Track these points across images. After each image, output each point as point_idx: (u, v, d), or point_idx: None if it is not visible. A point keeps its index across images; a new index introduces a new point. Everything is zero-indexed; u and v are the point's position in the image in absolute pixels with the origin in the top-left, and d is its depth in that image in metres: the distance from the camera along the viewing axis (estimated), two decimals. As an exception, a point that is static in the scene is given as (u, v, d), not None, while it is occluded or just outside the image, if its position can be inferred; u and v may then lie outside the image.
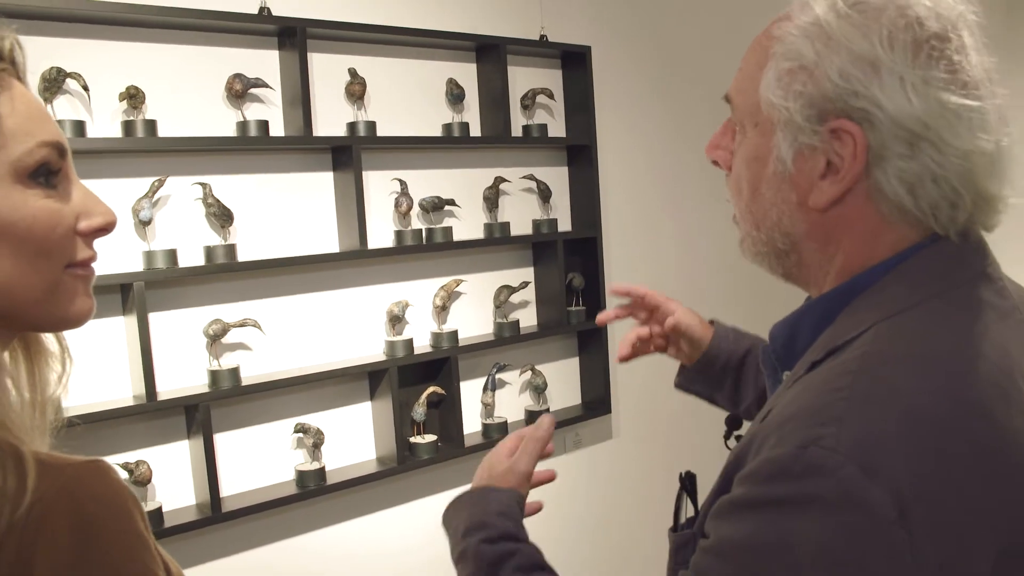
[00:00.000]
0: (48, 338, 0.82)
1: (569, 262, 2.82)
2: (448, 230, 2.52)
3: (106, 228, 0.79)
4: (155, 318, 2.07)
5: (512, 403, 2.80)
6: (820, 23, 0.79)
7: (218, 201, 2.11)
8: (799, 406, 0.74)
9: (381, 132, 2.40)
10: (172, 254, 2.04)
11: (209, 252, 2.11)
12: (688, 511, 1.03)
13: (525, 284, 2.74)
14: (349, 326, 2.42)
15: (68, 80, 1.92)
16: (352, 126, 2.35)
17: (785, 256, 0.88)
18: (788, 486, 0.69)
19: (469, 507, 1.15)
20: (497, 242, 2.67)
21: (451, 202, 2.55)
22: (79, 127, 1.91)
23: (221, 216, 2.12)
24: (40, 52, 1.92)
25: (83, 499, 0.69)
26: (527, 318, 2.81)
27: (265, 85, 2.19)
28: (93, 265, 0.79)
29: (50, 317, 0.76)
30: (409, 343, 2.44)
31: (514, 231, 2.72)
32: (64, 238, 0.75)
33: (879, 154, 0.77)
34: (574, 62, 2.86)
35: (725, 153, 0.93)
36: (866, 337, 0.76)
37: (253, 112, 2.22)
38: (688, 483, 1.07)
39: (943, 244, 0.79)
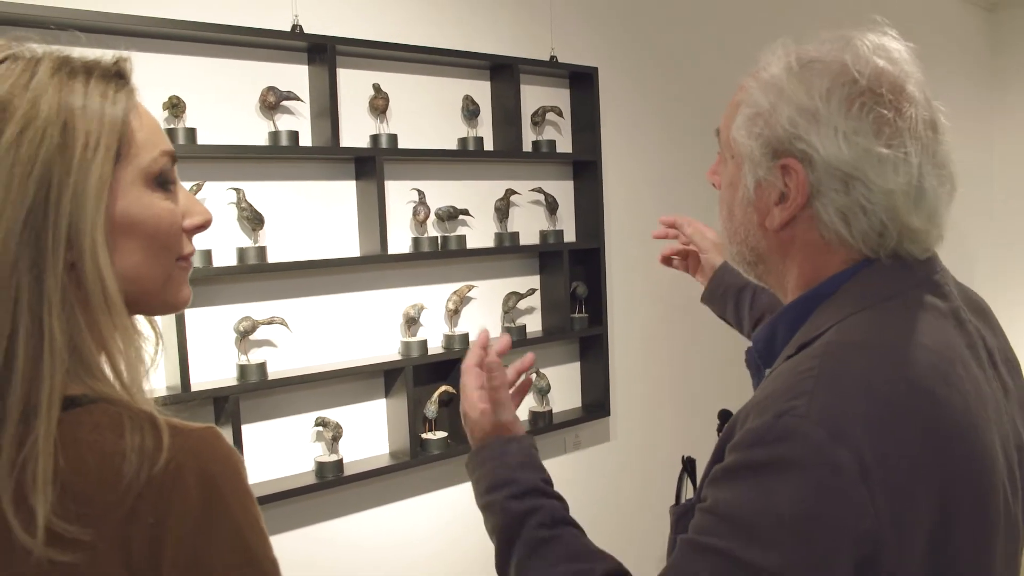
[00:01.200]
0: (143, 323, 0.90)
1: (573, 271, 2.97)
2: (462, 238, 2.66)
3: (205, 226, 0.91)
4: (189, 314, 2.20)
5: (517, 404, 2.93)
6: (775, 78, 0.98)
7: (251, 205, 2.24)
8: (774, 387, 0.88)
9: (402, 144, 2.54)
10: (207, 254, 2.16)
11: (241, 253, 2.24)
12: (688, 492, 1.19)
13: (532, 291, 2.89)
14: (368, 326, 2.56)
15: (117, 90, 2.06)
16: (375, 138, 2.49)
17: (754, 266, 1.07)
18: (766, 450, 0.84)
19: (491, 461, 1.22)
20: (506, 251, 2.82)
21: (465, 212, 2.69)
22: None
23: (253, 219, 2.25)
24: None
25: (207, 459, 0.79)
26: (533, 323, 2.96)
27: (296, 98, 2.33)
28: (192, 258, 0.92)
29: (163, 303, 0.88)
30: (423, 344, 2.58)
31: (522, 240, 2.86)
32: (177, 235, 0.87)
33: (818, 188, 0.94)
34: (582, 82, 3.01)
35: (718, 179, 1.12)
36: (827, 335, 0.91)
37: (284, 123, 2.36)
38: (689, 466, 1.21)
39: (877, 265, 0.95)
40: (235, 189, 2.23)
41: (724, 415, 1.10)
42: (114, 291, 0.80)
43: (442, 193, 2.70)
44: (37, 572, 0.73)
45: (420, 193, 2.57)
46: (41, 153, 0.77)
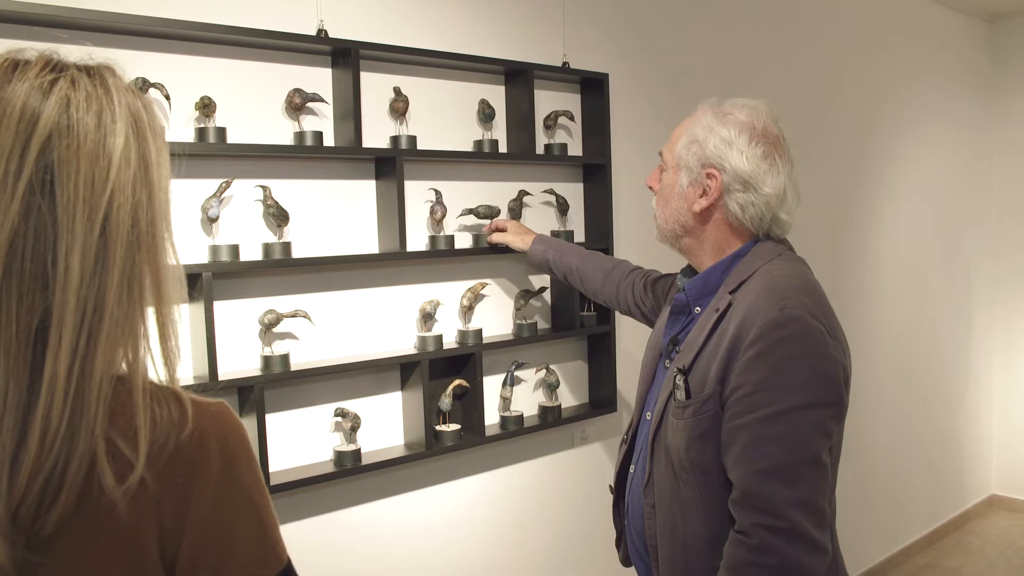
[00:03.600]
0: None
1: (583, 270, 3.04)
2: (478, 236, 2.75)
3: None
4: (217, 306, 2.28)
5: (527, 398, 3.02)
6: (707, 122, 1.70)
7: (276, 202, 2.33)
8: (757, 304, 1.54)
9: (421, 145, 2.62)
10: (235, 248, 2.23)
11: (267, 248, 2.32)
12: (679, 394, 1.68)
13: (543, 289, 2.97)
14: (385, 321, 2.64)
15: (152, 89, 2.14)
16: (395, 139, 2.57)
17: (680, 238, 1.78)
18: (784, 329, 1.50)
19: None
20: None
21: (498, 212, 2.78)
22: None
23: (278, 216, 2.34)
24: (129, 64, 2.13)
25: (224, 430, 0.92)
26: (543, 320, 3.04)
27: (321, 100, 2.42)
28: None
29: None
30: (439, 339, 2.65)
31: (534, 240, 2.94)
32: None
33: (728, 187, 1.67)
34: (593, 87, 3.08)
35: (657, 184, 1.85)
36: (759, 273, 1.61)
37: (309, 123, 2.44)
38: (684, 374, 1.67)
39: (764, 241, 1.70)
40: (262, 186, 2.32)
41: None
42: (167, 285, 0.92)
43: (459, 193, 2.78)
44: (116, 527, 0.84)
45: (437, 193, 2.66)
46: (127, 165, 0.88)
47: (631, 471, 1.89)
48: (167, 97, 2.17)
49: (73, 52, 0.94)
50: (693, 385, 1.62)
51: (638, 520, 1.82)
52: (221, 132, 2.23)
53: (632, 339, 3.30)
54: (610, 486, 1.99)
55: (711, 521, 1.61)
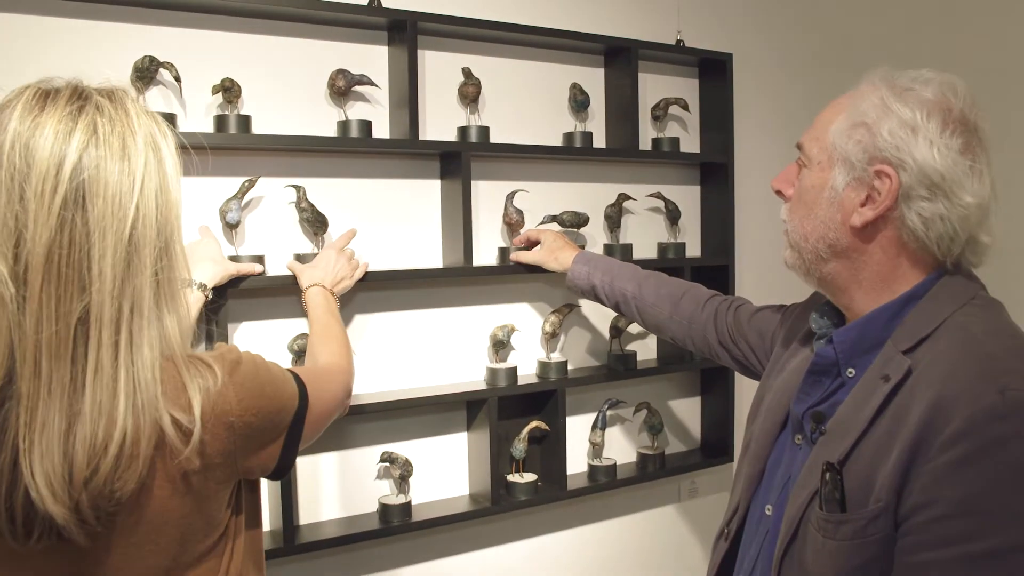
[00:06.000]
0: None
1: (696, 291, 2.55)
2: (561, 250, 2.30)
3: None
4: (239, 329, 1.94)
5: (623, 444, 2.56)
6: (882, 97, 1.17)
7: (312, 206, 1.95)
8: (959, 379, 1.04)
9: (495, 139, 2.22)
10: (260, 260, 1.89)
11: (300, 261, 1.95)
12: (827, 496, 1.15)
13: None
14: (449, 349, 2.24)
15: (161, 70, 1.81)
16: (463, 131, 2.17)
17: (823, 263, 1.25)
18: (1007, 424, 0.99)
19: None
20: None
21: (586, 220, 2.34)
22: (170, 120, 1.77)
23: (315, 222, 1.96)
24: (133, 40, 1.81)
25: (238, 368, 1.11)
26: (646, 350, 2.56)
27: (370, 83, 2.03)
28: None
29: None
30: (513, 371, 2.23)
31: (636, 254, 2.49)
32: None
33: (907, 193, 1.14)
34: (713, 70, 2.64)
35: (790, 187, 1.32)
36: (949, 327, 1.12)
37: (356, 112, 2.06)
38: (837, 470, 1.14)
39: (950, 275, 1.18)
40: (294, 186, 1.95)
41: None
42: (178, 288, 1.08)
43: (543, 197, 2.34)
44: (184, 486, 1.05)
45: (510, 195, 2.23)
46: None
47: None
48: (177, 79, 1.82)
49: (94, 79, 1.04)
50: (850, 487, 1.12)
51: None
52: (245, 121, 1.89)
53: (756, 374, 2.77)
54: None
55: None
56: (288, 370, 1.22)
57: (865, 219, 1.17)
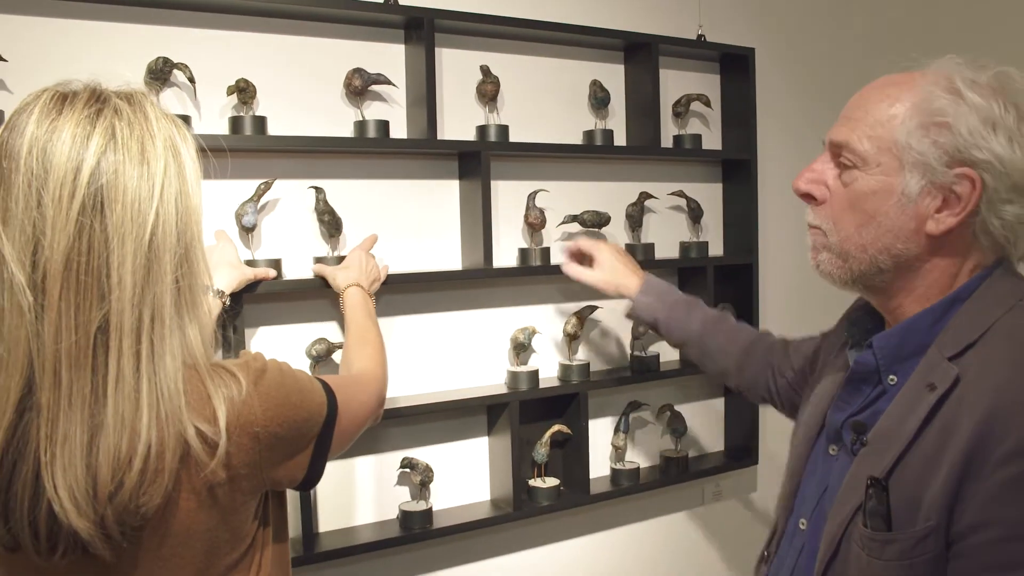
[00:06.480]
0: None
1: (720, 291, 2.48)
2: (583, 250, 2.25)
3: None
4: (256, 335, 1.90)
5: (646, 447, 2.51)
6: (957, 90, 1.05)
7: (331, 208, 1.91)
8: (1015, 388, 0.97)
9: (514, 137, 2.17)
10: (276, 263, 1.85)
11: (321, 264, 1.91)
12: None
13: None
14: (470, 352, 2.19)
15: (175, 71, 1.77)
16: (482, 130, 2.13)
17: (880, 274, 1.13)
18: None
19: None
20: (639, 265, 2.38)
21: (607, 219, 2.29)
22: (184, 122, 1.74)
23: (332, 225, 1.92)
24: (146, 40, 1.78)
25: (263, 377, 1.08)
26: (668, 352, 2.51)
27: (387, 82, 1.99)
28: None
29: None
30: (534, 374, 2.19)
31: (658, 254, 2.44)
32: None
33: (990, 196, 1.04)
34: (735, 66, 2.57)
35: (822, 189, 1.20)
36: (1000, 331, 1.04)
37: (373, 111, 2.02)
38: (883, 485, 1.07)
39: (999, 271, 1.10)
40: (315, 188, 1.91)
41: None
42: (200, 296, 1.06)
43: (563, 196, 2.30)
44: (210, 497, 1.02)
45: (532, 195, 2.18)
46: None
47: None
48: (191, 80, 1.78)
49: (112, 81, 1.01)
50: (896, 503, 1.05)
51: None
52: (260, 122, 1.85)
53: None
54: None
55: None
56: (317, 378, 1.18)
57: (946, 226, 1.06)
